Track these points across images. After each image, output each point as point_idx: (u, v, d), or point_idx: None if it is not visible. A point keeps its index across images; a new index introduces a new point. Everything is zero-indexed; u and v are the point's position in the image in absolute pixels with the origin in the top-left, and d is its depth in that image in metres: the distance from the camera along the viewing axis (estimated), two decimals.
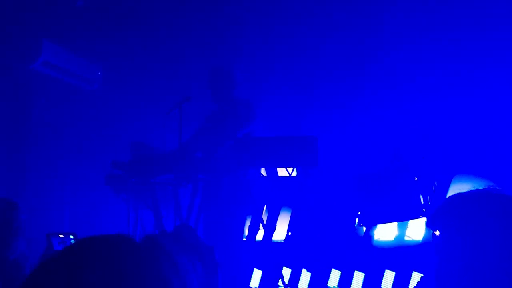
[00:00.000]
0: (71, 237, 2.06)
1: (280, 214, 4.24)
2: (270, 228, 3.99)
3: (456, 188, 4.47)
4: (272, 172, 3.96)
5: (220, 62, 4.76)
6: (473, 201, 1.46)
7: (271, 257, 4.26)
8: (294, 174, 3.83)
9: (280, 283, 4.06)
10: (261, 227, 4.03)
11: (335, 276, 4.69)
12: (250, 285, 4.81)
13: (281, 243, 4.61)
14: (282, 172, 3.86)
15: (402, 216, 4.24)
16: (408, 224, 4.53)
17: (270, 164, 3.50)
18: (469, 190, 1.49)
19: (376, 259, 4.51)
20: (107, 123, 5.91)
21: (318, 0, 5.47)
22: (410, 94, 5.13)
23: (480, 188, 1.53)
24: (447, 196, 4.47)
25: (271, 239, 4.07)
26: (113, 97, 6.08)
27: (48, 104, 5.79)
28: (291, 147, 3.22)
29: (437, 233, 1.48)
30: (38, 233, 3.11)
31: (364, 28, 5.37)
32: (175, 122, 3.83)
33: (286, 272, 4.80)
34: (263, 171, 3.98)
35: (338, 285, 4.63)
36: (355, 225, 4.65)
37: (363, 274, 4.55)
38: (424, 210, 3.99)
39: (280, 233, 4.53)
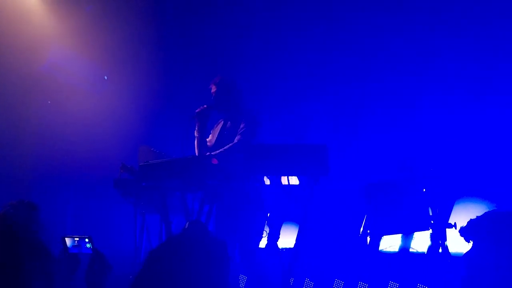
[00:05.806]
0: (86, 240, 2.03)
1: (284, 222, 4.22)
2: (274, 236, 3.97)
3: (461, 207, 4.48)
4: (276, 180, 3.94)
5: (227, 70, 4.74)
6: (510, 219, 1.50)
7: (276, 265, 4.23)
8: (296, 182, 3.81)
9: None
10: (265, 234, 4.01)
11: (338, 286, 4.66)
12: None
13: (284, 251, 4.58)
14: (292, 180, 3.85)
15: (409, 228, 4.21)
16: (414, 236, 4.51)
17: (279, 171, 3.47)
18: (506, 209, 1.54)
19: (381, 270, 4.49)
20: (115, 126, 5.91)
21: (327, 8, 5.50)
22: (420, 104, 5.13)
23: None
24: (455, 209, 4.48)
25: (276, 247, 4.05)
26: (121, 101, 6.08)
27: (56, 106, 5.79)
28: (301, 155, 3.20)
29: (470, 244, 1.50)
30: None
31: (373, 36, 5.38)
32: (183, 129, 3.82)
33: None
34: (266, 179, 3.95)
35: None
36: (360, 235, 4.63)
37: (367, 285, 4.52)
38: (432, 222, 3.97)
39: (283, 241, 4.50)
